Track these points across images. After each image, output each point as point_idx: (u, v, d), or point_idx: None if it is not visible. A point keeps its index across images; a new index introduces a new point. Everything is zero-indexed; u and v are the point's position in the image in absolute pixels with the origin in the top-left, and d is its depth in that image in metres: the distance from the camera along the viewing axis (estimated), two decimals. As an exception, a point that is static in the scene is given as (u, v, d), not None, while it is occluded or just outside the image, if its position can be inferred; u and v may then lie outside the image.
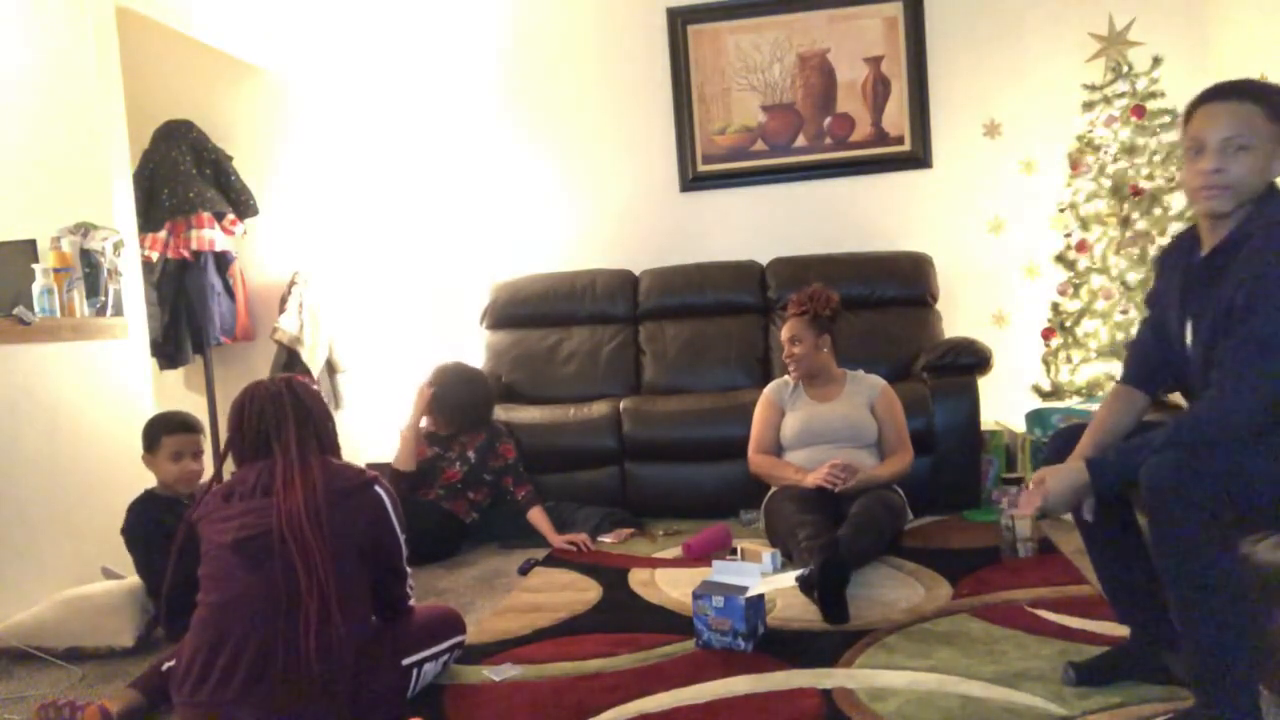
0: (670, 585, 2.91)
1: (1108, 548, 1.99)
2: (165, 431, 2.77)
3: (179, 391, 4.83)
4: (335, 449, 2.12)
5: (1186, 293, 1.88)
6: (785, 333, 3.33)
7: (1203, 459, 1.67)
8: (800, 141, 4.59)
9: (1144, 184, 3.85)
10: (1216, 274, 1.80)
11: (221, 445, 2.13)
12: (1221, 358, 1.74)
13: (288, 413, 2.02)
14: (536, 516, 3.56)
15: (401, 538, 2.11)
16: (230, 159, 4.78)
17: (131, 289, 3.60)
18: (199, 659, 1.91)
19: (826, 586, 2.46)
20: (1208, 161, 1.76)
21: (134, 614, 2.70)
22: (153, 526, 2.69)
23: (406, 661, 2.10)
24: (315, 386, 4.58)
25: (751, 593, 2.34)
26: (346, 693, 1.93)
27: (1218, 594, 1.63)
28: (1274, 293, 1.67)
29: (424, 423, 3.69)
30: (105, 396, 3.35)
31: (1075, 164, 4.05)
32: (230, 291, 4.71)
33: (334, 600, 1.90)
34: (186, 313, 4.58)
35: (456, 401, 3.66)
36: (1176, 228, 3.73)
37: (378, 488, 2.07)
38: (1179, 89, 4.01)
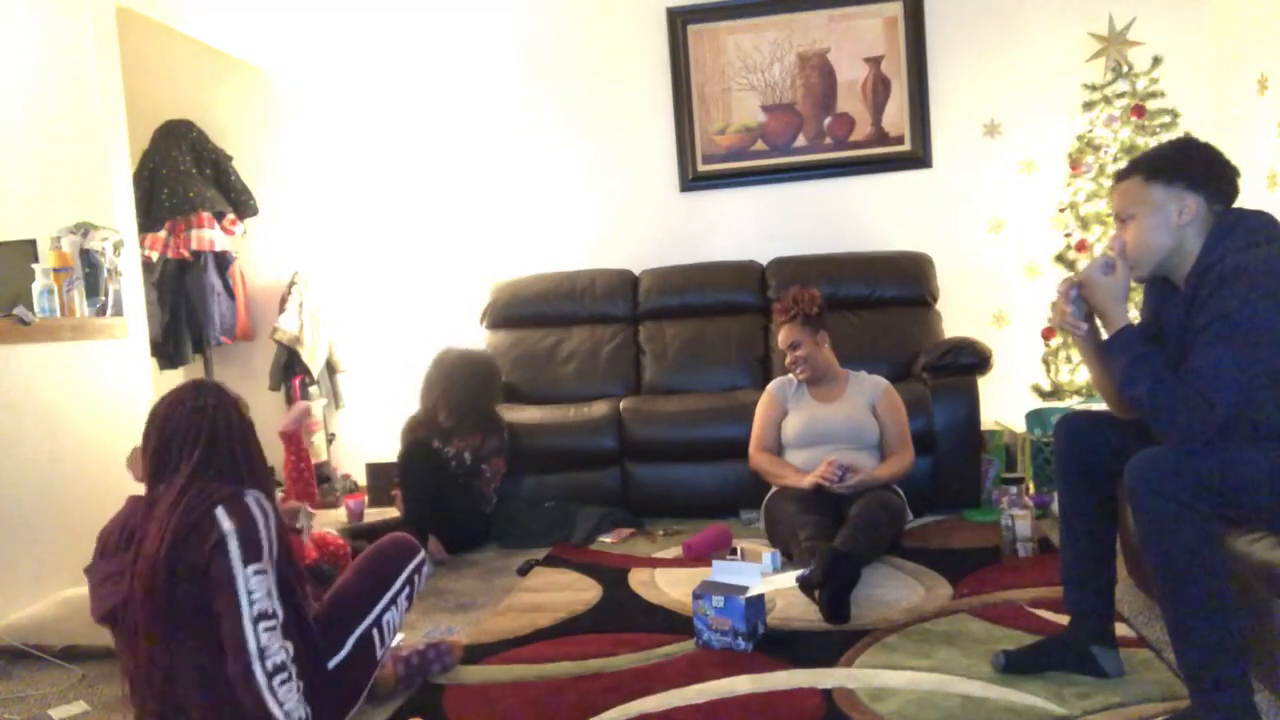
0: (670, 585, 2.91)
1: (1081, 533, 2.04)
2: None
3: (179, 391, 4.82)
4: (257, 479, 1.84)
5: (1164, 315, 1.96)
6: (781, 340, 3.33)
7: (1185, 456, 1.69)
8: (800, 141, 4.59)
9: (1144, 184, 3.85)
10: (1188, 301, 1.85)
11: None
12: (1180, 377, 1.76)
13: (200, 437, 1.78)
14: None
15: (249, 595, 1.65)
16: (230, 159, 4.79)
17: (131, 289, 3.60)
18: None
19: (835, 583, 2.45)
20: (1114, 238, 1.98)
21: None
22: None
23: (357, 633, 1.92)
24: (313, 387, 4.61)
25: (751, 593, 2.34)
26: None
27: (1202, 589, 1.64)
28: (1224, 330, 1.71)
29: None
30: (105, 396, 3.35)
31: (1075, 164, 4.06)
32: (230, 291, 4.71)
33: (195, 682, 1.68)
34: (186, 313, 4.58)
35: (462, 396, 3.65)
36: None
37: (223, 513, 1.69)
38: (1179, 89, 4.04)
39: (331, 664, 1.87)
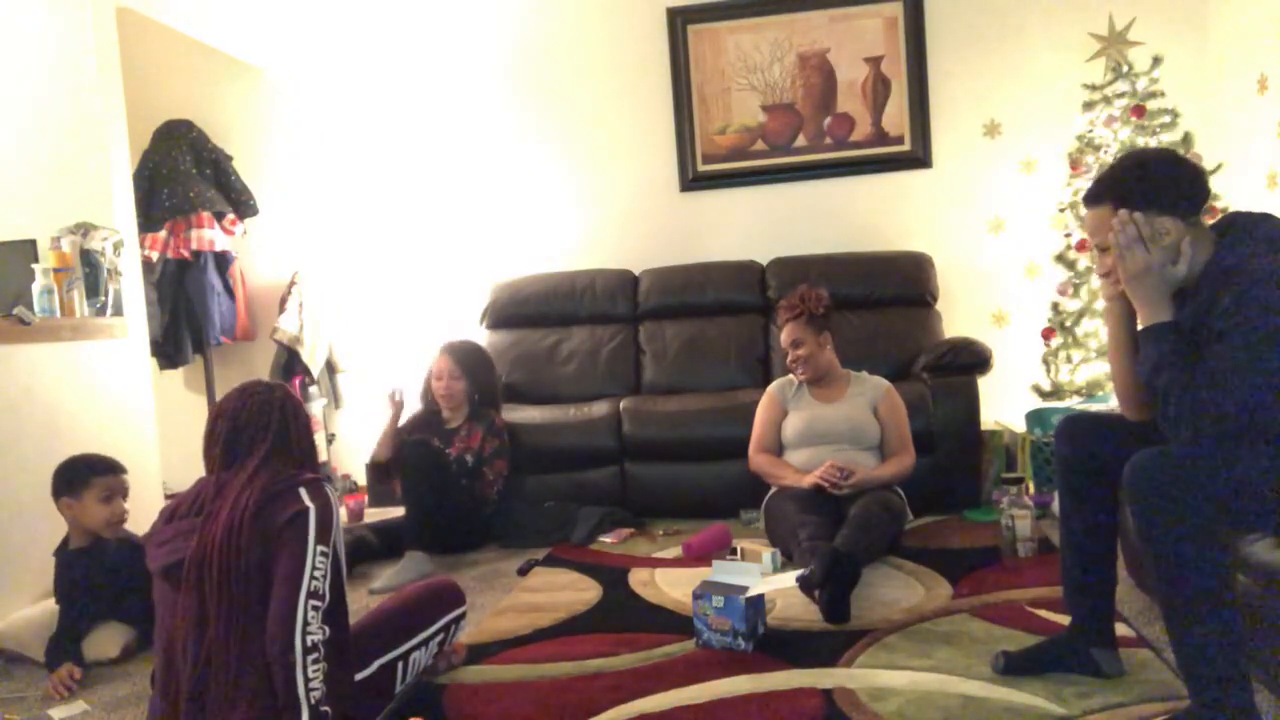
0: (670, 585, 2.91)
1: (1081, 533, 2.03)
2: (95, 473, 2.61)
3: (179, 392, 4.83)
4: (316, 469, 1.95)
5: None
6: (785, 339, 3.33)
7: (1184, 456, 1.69)
8: (800, 141, 4.59)
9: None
10: (1203, 304, 1.81)
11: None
12: (1191, 377, 1.73)
13: (271, 426, 1.88)
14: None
15: (311, 570, 1.75)
16: (230, 159, 4.79)
17: (131, 289, 3.60)
18: (156, 690, 1.85)
19: (836, 584, 2.45)
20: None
21: (118, 626, 2.62)
22: (82, 589, 2.57)
23: (384, 659, 1.98)
24: (313, 387, 4.61)
25: (751, 593, 2.34)
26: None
27: (1202, 589, 1.64)
28: (1245, 330, 1.67)
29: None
30: (105, 396, 3.35)
31: (1075, 164, 4.05)
32: (230, 291, 4.71)
33: (235, 645, 1.72)
34: (186, 313, 4.58)
35: (475, 380, 3.73)
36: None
37: (304, 492, 1.80)
38: (1179, 89, 4.04)
39: (382, 660, 1.96)
